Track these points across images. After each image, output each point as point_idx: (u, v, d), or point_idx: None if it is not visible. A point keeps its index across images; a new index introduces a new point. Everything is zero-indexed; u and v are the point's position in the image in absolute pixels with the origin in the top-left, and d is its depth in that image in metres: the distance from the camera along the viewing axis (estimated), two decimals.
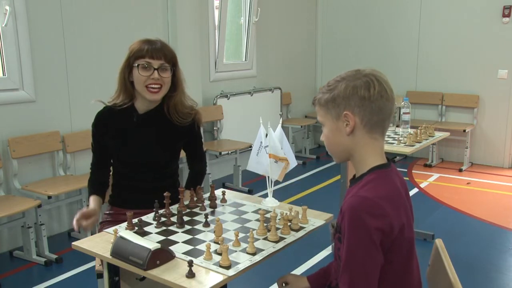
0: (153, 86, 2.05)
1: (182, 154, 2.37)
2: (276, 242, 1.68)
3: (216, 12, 5.32)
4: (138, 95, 2.12)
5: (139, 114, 2.16)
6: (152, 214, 1.92)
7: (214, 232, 1.70)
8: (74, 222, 2.00)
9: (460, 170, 5.73)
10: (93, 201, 2.17)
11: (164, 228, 1.81)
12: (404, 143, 3.41)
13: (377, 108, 1.38)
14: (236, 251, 1.60)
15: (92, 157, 2.27)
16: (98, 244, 1.70)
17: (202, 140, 2.40)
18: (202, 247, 1.63)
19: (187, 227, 1.82)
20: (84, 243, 1.72)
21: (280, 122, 2.17)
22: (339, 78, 1.43)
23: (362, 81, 1.38)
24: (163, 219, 1.86)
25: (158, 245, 1.52)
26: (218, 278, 1.45)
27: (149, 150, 2.16)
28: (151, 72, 2.03)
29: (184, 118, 2.17)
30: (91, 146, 2.25)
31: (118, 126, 2.16)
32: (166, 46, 2.09)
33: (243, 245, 1.63)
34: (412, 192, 4.90)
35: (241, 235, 1.67)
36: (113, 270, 1.69)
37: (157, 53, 2.03)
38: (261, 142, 2.05)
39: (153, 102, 2.13)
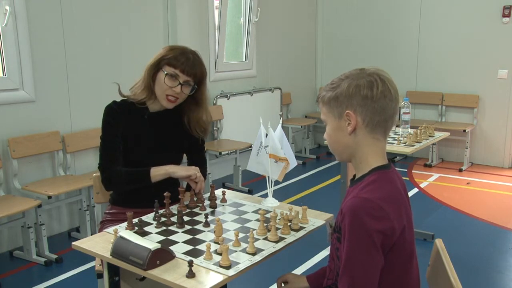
0: (171, 96, 2.09)
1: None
2: (276, 242, 1.68)
3: (216, 12, 5.31)
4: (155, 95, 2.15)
5: (150, 113, 2.19)
6: (152, 214, 1.92)
7: (214, 232, 1.70)
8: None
9: (460, 170, 5.73)
10: (162, 169, 2.07)
11: (164, 228, 1.81)
12: (404, 143, 3.41)
13: (379, 108, 1.38)
14: (236, 251, 1.60)
15: (103, 156, 2.10)
16: (98, 244, 1.70)
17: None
18: (202, 247, 1.63)
19: (187, 227, 1.82)
20: (84, 243, 1.72)
21: (280, 122, 2.17)
22: (343, 76, 1.43)
23: (365, 80, 1.38)
24: (163, 219, 1.86)
25: (158, 245, 1.52)
26: (218, 278, 1.45)
27: (157, 149, 2.18)
28: (175, 84, 2.06)
29: (202, 132, 2.24)
30: (102, 142, 2.11)
31: (129, 125, 2.15)
32: (200, 64, 2.11)
33: (243, 245, 1.63)
34: (412, 192, 4.90)
35: (241, 235, 1.67)
36: (113, 270, 1.69)
37: (190, 70, 2.06)
38: (261, 142, 2.06)
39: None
